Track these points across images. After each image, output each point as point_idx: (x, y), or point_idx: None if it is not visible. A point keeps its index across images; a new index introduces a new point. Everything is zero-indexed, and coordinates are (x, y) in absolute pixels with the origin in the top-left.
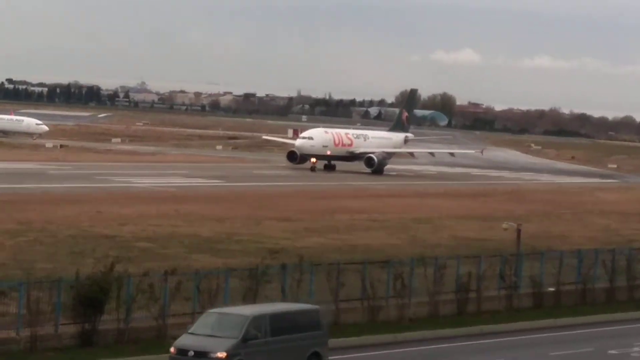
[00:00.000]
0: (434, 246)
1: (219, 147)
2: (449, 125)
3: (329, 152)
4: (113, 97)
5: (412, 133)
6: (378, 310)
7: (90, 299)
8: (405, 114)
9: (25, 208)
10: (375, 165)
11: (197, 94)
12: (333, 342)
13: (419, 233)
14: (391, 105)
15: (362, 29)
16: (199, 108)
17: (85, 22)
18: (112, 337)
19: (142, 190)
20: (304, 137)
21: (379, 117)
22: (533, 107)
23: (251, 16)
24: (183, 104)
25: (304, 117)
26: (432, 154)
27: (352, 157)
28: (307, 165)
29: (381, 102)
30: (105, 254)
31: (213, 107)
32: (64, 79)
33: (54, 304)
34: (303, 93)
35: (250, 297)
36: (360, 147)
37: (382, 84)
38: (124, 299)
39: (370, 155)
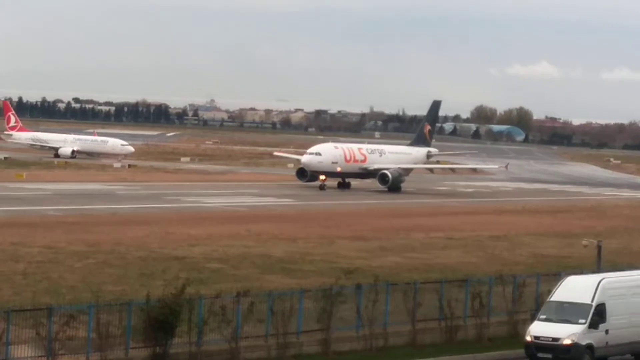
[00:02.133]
0: (512, 264)
1: (290, 165)
2: (525, 140)
3: (339, 169)
4: (182, 115)
5: (436, 147)
6: (456, 330)
7: (161, 321)
8: (428, 127)
9: (93, 229)
10: (390, 182)
11: (268, 111)
12: None
13: (497, 251)
14: (466, 120)
15: (436, 43)
16: (270, 125)
17: (154, 40)
18: None
19: (213, 210)
20: (311, 153)
21: (453, 132)
22: (612, 121)
23: (322, 31)
24: (253, 122)
25: (377, 134)
26: (452, 169)
27: (366, 174)
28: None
29: (456, 118)
30: (175, 276)
31: (284, 124)
32: (131, 97)
33: (124, 327)
34: (376, 109)
35: (324, 318)
36: (374, 163)
37: (457, 99)
38: (195, 321)
39: (384, 171)
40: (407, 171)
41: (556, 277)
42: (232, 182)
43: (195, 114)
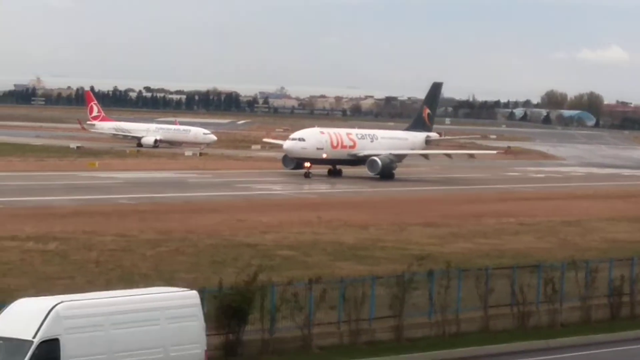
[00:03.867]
0: (584, 249)
1: None
2: (596, 125)
3: (324, 156)
4: (252, 103)
5: (436, 132)
6: (528, 316)
7: (234, 309)
8: (427, 110)
9: (165, 217)
10: (380, 169)
11: (338, 99)
12: (483, 349)
13: (569, 236)
14: (537, 105)
15: (506, 28)
16: (340, 113)
17: (225, 29)
18: (257, 347)
19: (283, 198)
20: (294, 139)
21: (524, 118)
22: None
23: (392, 18)
24: (324, 109)
25: (448, 120)
26: (449, 155)
27: (356, 160)
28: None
29: (526, 103)
30: (247, 263)
31: (354, 111)
32: (202, 86)
33: None
34: (446, 95)
35: (396, 304)
36: (365, 149)
37: (527, 84)
38: (267, 308)
39: (373, 157)
40: (400, 157)
41: (629, 262)
42: (300, 169)
43: (266, 101)
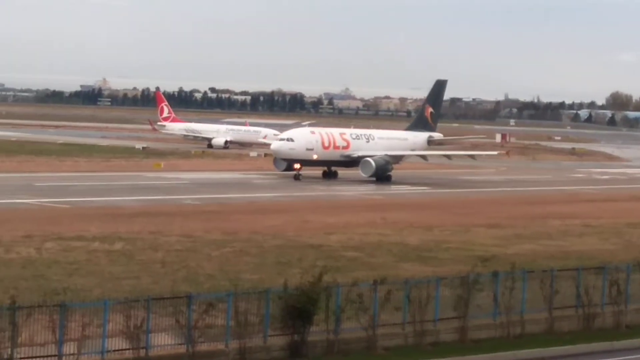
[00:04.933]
0: None
1: None
2: None
3: (315, 157)
4: (317, 104)
5: (440, 132)
6: (593, 318)
7: (299, 309)
8: (430, 109)
9: (230, 218)
10: (373, 171)
11: (402, 100)
12: (548, 350)
13: (634, 238)
14: (602, 107)
15: (571, 29)
16: (405, 114)
17: (290, 30)
18: (322, 348)
19: (349, 198)
20: (282, 139)
21: (589, 120)
22: None
23: (454, 20)
24: (388, 110)
25: (512, 121)
26: (448, 156)
27: (350, 161)
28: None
29: (591, 105)
30: (312, 264)
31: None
32: (267, 86)
33: (262, 315)
34: (510, 96)
35: (461, 306)
36: (360, 150)
37: (592, 85)
38: (332, 309)
39: (366, 159)
40: (397, 158)
41: None
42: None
43: (330, 102)
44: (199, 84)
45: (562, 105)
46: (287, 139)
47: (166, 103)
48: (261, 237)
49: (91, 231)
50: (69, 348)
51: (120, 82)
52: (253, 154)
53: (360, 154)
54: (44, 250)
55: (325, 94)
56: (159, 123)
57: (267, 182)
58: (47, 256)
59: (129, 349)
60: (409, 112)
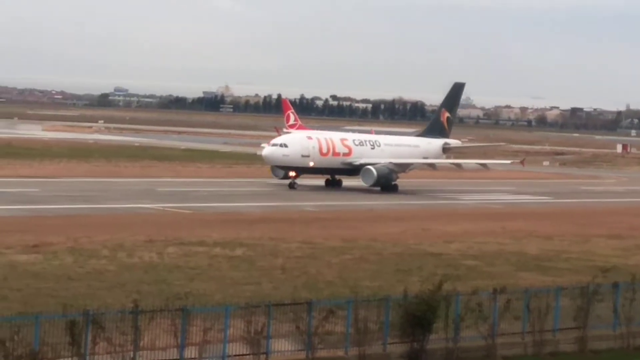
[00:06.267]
0: None
1: (546, 162)
2: None
3: (311, 164)
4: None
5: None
6: None
7: (419, 317)
8: (446, 114)
9: (350, 225)
10: (375, 180)
11: (523, 109)
12: None
13: None
14: None
15: None
16: (525, 123)
17: (411, 39)
18: (441, 356)
19: (468, 207)
20: (275, 144)
21: None
22: None
23: (575, 29)
24: (509, 119)
25: (633, 132)
26: (458, 165)
27: (352, 169)
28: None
29: None
30: (431, 272)
31: (539, 122)
32: (388, 94)
33: (381, 323)
34: (632, 107)
35: (580, 316)
36: (363, 157)
37: None
38: (452, 317)
39: (368, 167)
40: (403, 167)
41: None
42: (488, 179)
43: None
44: (320, 91)
45: None
46: (281, 145)
47: (292, 110)
48: (381, 245)
49: (212, 236)
50: (190, 352)
51: (243, 88)
52: None
53: (363, 161)
54: (165, 255)
55: None
56: (284, 130)
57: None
58: (168, 261)
59: (249, 355)
60: (529, 122)
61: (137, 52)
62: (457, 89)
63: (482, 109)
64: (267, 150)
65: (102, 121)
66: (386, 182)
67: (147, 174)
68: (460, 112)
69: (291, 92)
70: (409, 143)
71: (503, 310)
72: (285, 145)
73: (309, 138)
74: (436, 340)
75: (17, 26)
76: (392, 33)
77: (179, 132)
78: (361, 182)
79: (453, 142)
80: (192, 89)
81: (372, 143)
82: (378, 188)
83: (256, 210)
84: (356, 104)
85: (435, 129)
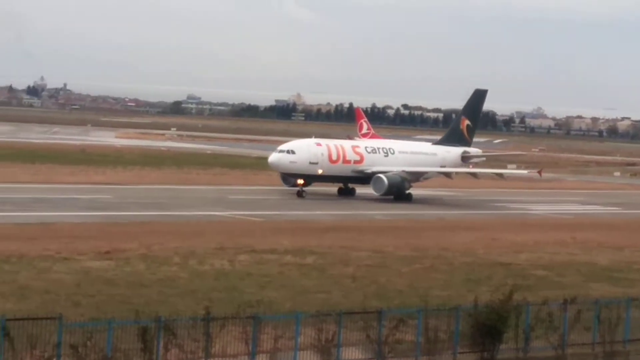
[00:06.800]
0: None
1: (617, 173)
2: None
3: (320, 171)
4: (509, 122)
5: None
6: None
7: (489, 327)
8: (466, 121)
9: (420, 234)
10: (386, 188)
11: (594, 119)
12: None
13: None
14: None
15: None
16: (596, 134)
17: (479, 48)
18: None
19: (538, 217)
20: (281, 151)
21: None
22: None
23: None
24: (580, 130)
25: None
26: (474, 174)
27: (364, 177)
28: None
29: None
30: (501, 282)
31: (611, 132)
32: (459, 104)
33: (451, 332)
34: None
35: None
36: (375, 165)
37: None
38: (522, 327)
39: (379, 175)
40: (416, 175)
41: None
42: (558, 189)
43: (522, 121)
44: (391, 100)
45: None
46: (288, 151)
47: (365, 119)
48: (451, 254)
49: (284, 244)
50: None
51: (314, 97)
52: None
53: (375, 169)
54: (237, 263)
55: (516, 112)
56: (356, 139)
57: (456, 199)
58: (240, 268)
59: None
60: (600, 132)
61: (209, 62)
62: (478, 96)
63: (554, 119)
64: (273, 156)
65: (175, 129)
66: (398, 191)
67: (219, 182)
68: (532, 122)
69: (363, 101)
70: (426, 151)
71: (573, 321)
72: (293, 152)
73: (318, 144)
74: (506, 350)
75: (91, 36)
76: (463, 42)
77: (251, 140)
78: (372, 190)
79: (473, 150)
80: (264, 97)
81: (385, 150)
82: (391, 197)
83: (326, 218)
84: (427, 113)
85: (454, 137)
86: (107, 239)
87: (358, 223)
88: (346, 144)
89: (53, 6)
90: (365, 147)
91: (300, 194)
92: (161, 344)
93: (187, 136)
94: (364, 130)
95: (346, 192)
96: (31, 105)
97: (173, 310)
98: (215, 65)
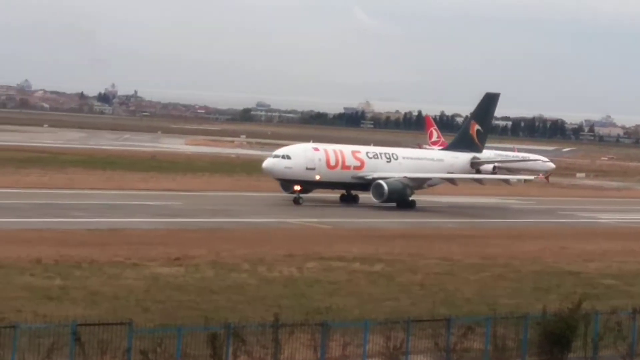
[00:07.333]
0: None
1: None
2: None
3: (317, 177)
4: (577, 130)
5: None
6: None
7: (558, 335)
8: (476, 126)
9: (489, 243)
10: (386, 195)
11: None
12: None
13: None
14: None
15: None
16: None
17: (551, 57)
18: None
19: (607, 226)
20: (277, 156)
21: None
22: None
23: None
24: None
25: None
26: (479, 181)
27: (365, 184)
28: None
29: None
30: (569, 291)
31: None
32: (528, 112)
33: (519, 340)
34: None
35: None
36: (376, 171)
37: None
38: (590, 336)
39: (379, 181)
40: (419, 182)
41: None
42: (628, 198)
43: (591, 129)
44: (460, 108)
45: None
46: (283, 156)
47: (435, 127)
48: (519, 263)
49: (352, 252)
50: None
51: (383, 104)
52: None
53: (376, 175)
54: (305, 270)
55: (585, 120)
56: (426, 147)
57: (525, 208)
58: (308, 275)
59: None
60: None
61: (279, 71)
62: (489, 100)
63: (623, 127)
64: (267, 162)
65: (244, 136)
66: (400, 197)
67: None
68: (600, 130)
69: (431, 109)
70: (431, 157)
71: None
72: (288, 157)
73: (316, 149)
74: (574, 359)
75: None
76: (537, 51)
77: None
78: (372, 197)
79: (483, 156)
80: (333, 105)
81: (388, 156)
82: (393, 204)
83: (395, 226)
84: (496, 121)
85: (463, 143)
86: (176, 246)
87: (426, 231)
88: (346, 150)
89: (127, 17)
90: (367, 153)
91: (297, 201)
92: (230, 350)
93: (257, 143)
94: (434, 138)
95: (349, 199)
96: (102, 112)
97: (242, 316)
98: (282, 74)
